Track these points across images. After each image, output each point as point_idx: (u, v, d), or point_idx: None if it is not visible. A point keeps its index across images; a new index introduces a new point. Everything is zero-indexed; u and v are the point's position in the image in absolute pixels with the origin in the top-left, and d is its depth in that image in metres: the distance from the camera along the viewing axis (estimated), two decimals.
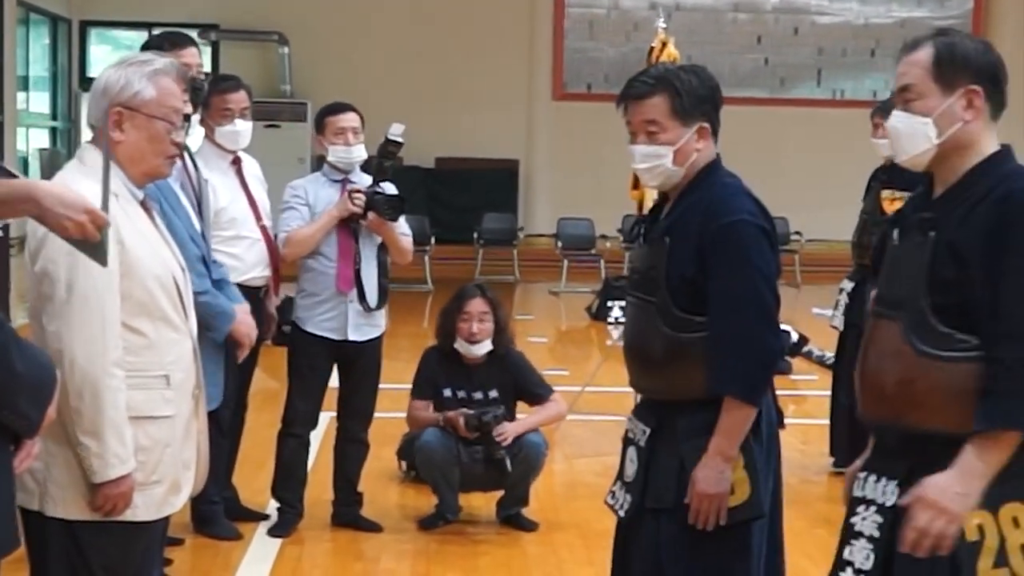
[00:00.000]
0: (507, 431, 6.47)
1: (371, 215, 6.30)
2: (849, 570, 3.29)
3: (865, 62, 21.31)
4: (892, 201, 7.13)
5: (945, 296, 3.15)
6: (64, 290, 3.39)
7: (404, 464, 7.56)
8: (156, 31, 19.15)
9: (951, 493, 3.06)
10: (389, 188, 6.41)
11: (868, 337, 3.36)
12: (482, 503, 6.86)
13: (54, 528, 3.51)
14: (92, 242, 3.11)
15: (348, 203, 6.27)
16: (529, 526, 6.67)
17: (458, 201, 20.17)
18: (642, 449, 3.89)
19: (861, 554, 3.28)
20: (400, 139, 6.36)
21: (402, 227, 6.47)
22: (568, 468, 7.87)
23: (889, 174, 7.55)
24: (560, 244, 18.31)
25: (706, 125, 3.84)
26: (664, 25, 8.79)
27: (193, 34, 8.41)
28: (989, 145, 3.26)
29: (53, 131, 20.50)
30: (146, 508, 3.58)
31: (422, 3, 20.56)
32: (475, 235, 18.77)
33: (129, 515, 3.54)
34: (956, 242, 3.16)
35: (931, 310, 3.16)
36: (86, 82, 21.01)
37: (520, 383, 6.69)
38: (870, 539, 3.27)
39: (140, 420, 3.51)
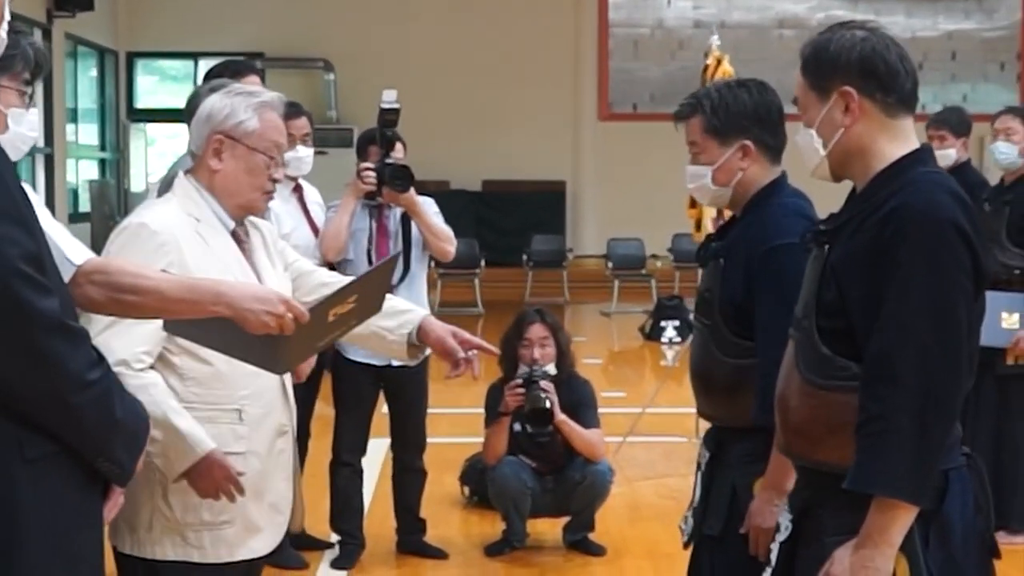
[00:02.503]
0: (552, 393, 6.35)
1: (385, 190, 6.22)
2: None
3: None
4: None
5: (829, 320, 2.90)
6: None
7: (467, 489, 7.50)
8: (202, 61, 19.08)
9: (859, 568, 2.78)
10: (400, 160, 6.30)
11: (784, 360, 3.11)
12: (547, 528, 6.80)
13: (141, 569, 3.47)
14: (283, 337, 2.94)
15: (360, 182, 6.23)
16: (597, 551, 6.60)
17: (506, 224, 20.15)
18: (704, 475, 3.87)
19: None
20: (395, 105, 6.21)
21: (430, 207, 6.37)
22: (631, 491, 7.80)
23: None
24: (610, 264, 18.24)
25: (748, 143, 3.74)
26: (719, 42, 8.72)
27: (250, 61, 8.36)
28: (894, 146, 2.96)
29: (102, 162, 20.59)
30: (215, 549, 3.47)
31: (465, 26, 20.58)
32: (524, 257, 18.73)
33: (197, 556, 3.45)
34: (837, 262, 2.90)
35: (817, 332, 2.91)
36: (134, 113, 21.15)
37: (574, 407, 6.56)
38: (773, 569, 3.14)
39: None
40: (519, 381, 6.37)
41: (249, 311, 2.90)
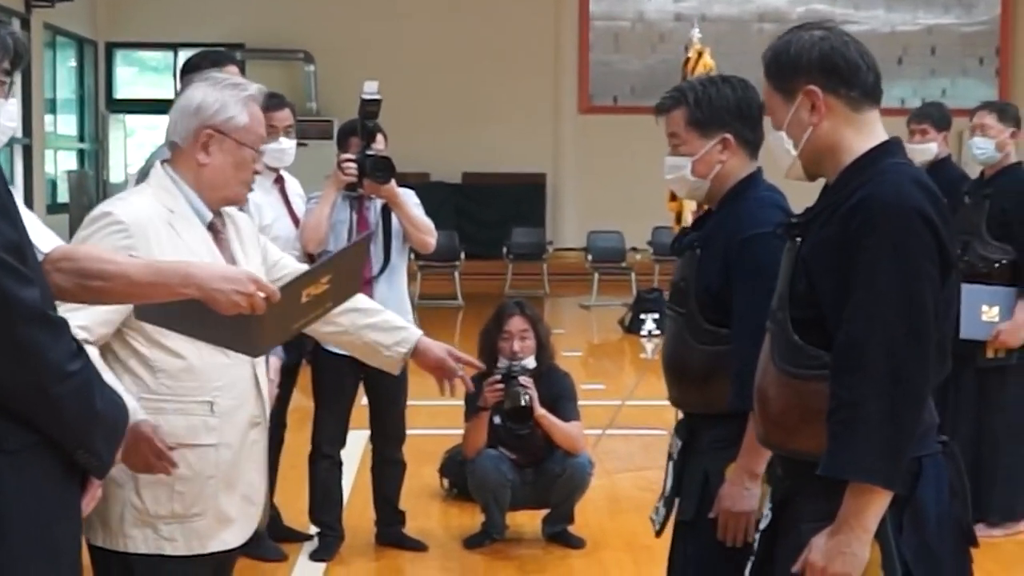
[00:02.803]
0: (532, 389, 6.33)
1: (366, 181, 6.21)
2: None
3: (892, 70, 21.16)
4: None
5: (801, 310, 2.95)
6: None
7: (447, 481, 7.50)
8: (182, 52, 19.07)
9: (837, 555, 2.82)
10: (381, 151, 6.29)
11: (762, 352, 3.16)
12: (527, 520, 6.80)
13: (114, 561, 3.45)
14: (256, 317, 2.92)
15: (340, 174, 6.21)
16: (576, 543, 6.60)
17: (486, 216, 20.14)
18: (676, 463, 3.94)
19: (747, 569, 3.22)
20: (376, 96, 6.20)
21: (411, 199, 6.37)
22: (611, 483, 7.80)
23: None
24: (590, 257, 18.24)
25: (729, 137, 3.81)
26: (699, 36, 8.71)
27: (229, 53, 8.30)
28: (861, 140, 2.99)
29: (81, 153, 20.51)
30: (187, 541, 3.46)
31: (446, 19, 20.55)
32: (504, 250, 18.73)
33: (169, 549, 3.44)
34: (807, 254, 2.96)
35: (791, 323, 2.96)
36: (113, 104, 21.07)
37: (554, 400, 6.56)
38: (754, 558, 3.19)
39: (179, 447, 3.38)
40: (498, 377, 6.37)
41: (218, 291, 2.88)
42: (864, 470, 2.78)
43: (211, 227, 3.54)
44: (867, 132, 3.01)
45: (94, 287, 2.94)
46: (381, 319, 3.84)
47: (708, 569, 3.77)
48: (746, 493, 3.61)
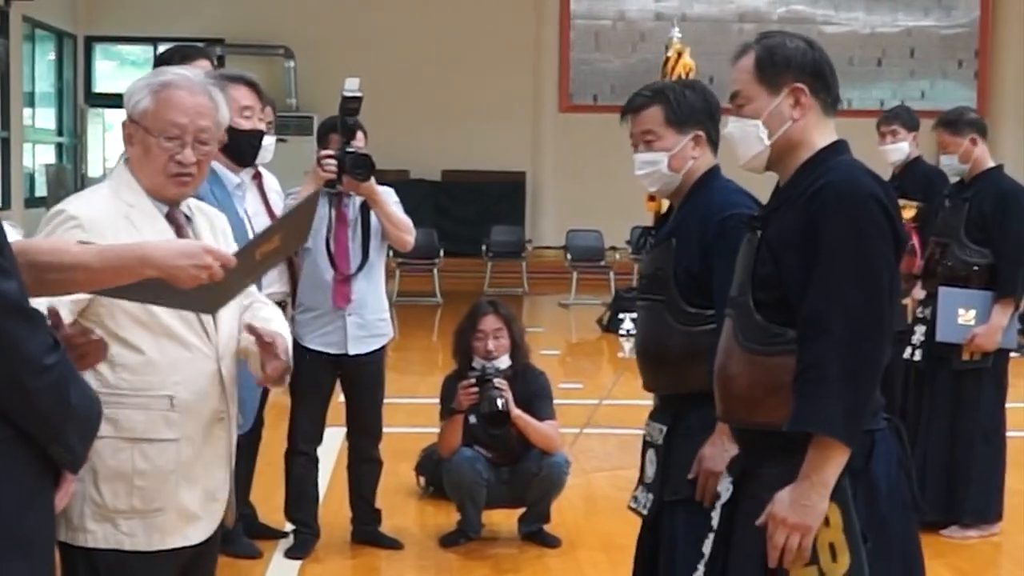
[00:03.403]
0: (507, 392, 6.33)
1: (345, 178, 6.19)
2: (701, 563, 3.43)
3: (872, 71, 21.25)
4: (905, 208, 7.08)
5: (765, 292, 3.22)
6: None
7: (423, 480, 7.49)
8: (161, 46, 19.05)
9: (798, 507, 3.08)
10: (360, 148, 6.26)
11: (721, 337, 3.42)
12: (502, 519, 6.79)
13: (78, 557, 3.42)
14: (214, 285, 3.01)
15: (320, 170, 6.20)
16: (552, 542, 6.60)
17: (465, 214, 20.13)
18: (660, 448, 4.11)
19: (708, 546, 3.42)
20: (358, 93, 6.18)
21: (390, 196, 6.36)
22: (587, 482, 7.80)
23: (900, 181, 7.53)
24: (569, 256, 18.24)
25: (701, 134, 4.11)
26: (679, 35, 8.72)
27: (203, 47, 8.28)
28: (822, 139, 3.30)
29: (59, 147, 20.45)
30: (147, 536, 3.42)
31: (427, 16, 20.53)
32: (483, 248, 18.72)
33: (128, 544, 3.40)
34: (772, 239, 3.24)
35: (754, 306, 3.23)
36: (92, 97, 21.00)
37: (529, 400, 6.53)
38: (715, 531, 3.40)
39: (138, 442, 3.36)
40: (472, 380, 6.36)
41: (177, 267, 2.94)
42: (827, 425, 3.05)
43: (171, 219, 3.49)
44: (827, 135, 3.32)
45: (52, 280, 2.93)
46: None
47: (699, 545, 3.79)
48: (725, 454, 3.74)
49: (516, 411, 6.35)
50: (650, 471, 4.14)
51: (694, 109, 4.10)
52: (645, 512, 4.13)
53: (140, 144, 3.43)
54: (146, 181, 3.45)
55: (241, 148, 5.66)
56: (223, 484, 3.59)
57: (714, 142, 4.14)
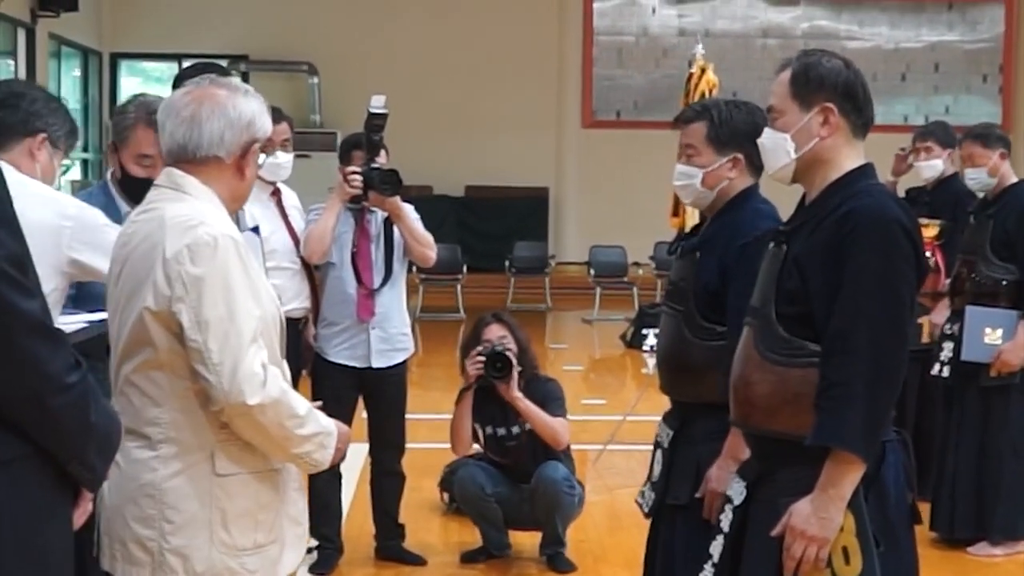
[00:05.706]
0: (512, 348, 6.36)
1: (371, 194, 6.22)
2: (709, 563, 3.54)
3: (896, 87, 21.17)
4: (927, 227, 7.04)
5: (789, 306, 3.33)
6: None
7: (447, 496, 7.47)
8: (186, 62, 19.09)
9: (815, 519, 3.20)
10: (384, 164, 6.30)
11: (739, 345, 3.52)
12: (527, 539, 6.75)
13: None
14: None
15: (346, 186, 6.21)
16: (565, 567, 6.45)
17: (489, 230, 20.11)
18: (666, 450, 4.27)
19: (717, 548, 3.52)
20: (383, 111, 6.22)
21: (411, 213, 6.38)
22: (611, 499, 7.78)
23: (931, 197, 7.50)
24: (593, 272, 18.22)
25: (740, 157, 4.17)
26: (703, 51, 8.71)
27: (223, 65, 8.34)
28: (850, 161, 3.42)
29: (84, 163, 20.52)
30: (264, 571, 3.35)
31: (450, 32, 20.55)
32: (506, 263, 18.71)
33: None
34: (800, 256, 3.35)
35: (777, 317, 3.34)
36: None
37: (539, 403, 6.44)
38: (724, 534, 3.50)
39: (260, 474, 3.32)
40: (479, 349, 6.34)
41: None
42: (848, 440, 3.18)
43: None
44: (855, 156, 3.43)
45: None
46: None
47: (697, 549, 3.92)
48: (730, 475, 3.79)
49: (517, 393, 6.27)
50: (656, 471, 4.30)
51: (736, 131, 4.17)
52: (646, 510, 4.32)
53: (255, 166, 3.45)
54: (243, 202, 3.54)
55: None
56: (303, 508, 3.56)
57: (756, 166, 4.12)
